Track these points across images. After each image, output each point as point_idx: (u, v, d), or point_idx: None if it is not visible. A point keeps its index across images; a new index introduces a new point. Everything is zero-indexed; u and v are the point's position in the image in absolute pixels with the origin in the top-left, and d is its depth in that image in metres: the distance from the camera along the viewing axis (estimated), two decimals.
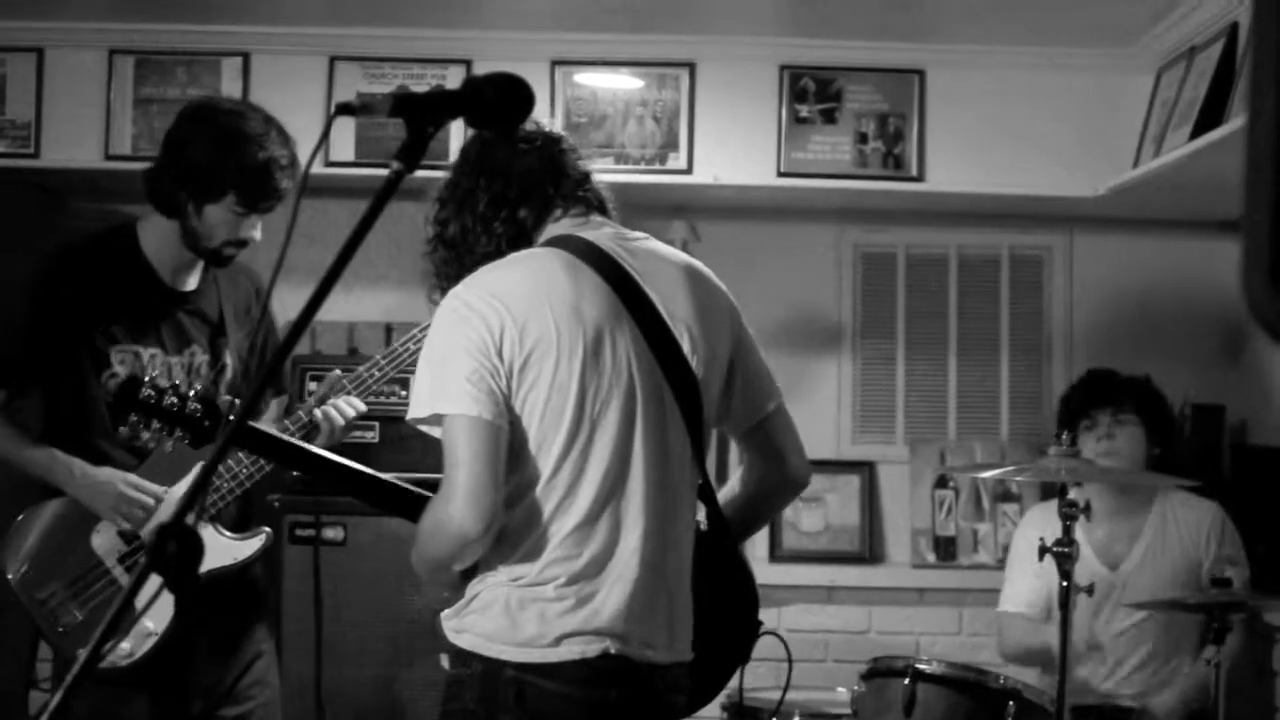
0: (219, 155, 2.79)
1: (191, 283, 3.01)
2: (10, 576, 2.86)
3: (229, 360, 3.03)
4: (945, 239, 4.82)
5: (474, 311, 2.20)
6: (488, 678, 2.18)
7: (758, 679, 2.87)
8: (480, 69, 4.16)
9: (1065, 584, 2.94)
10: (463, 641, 2.23)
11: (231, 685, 3.03)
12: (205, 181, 2.81)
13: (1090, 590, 3.01)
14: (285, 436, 2.71)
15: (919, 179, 4.34)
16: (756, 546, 4.51)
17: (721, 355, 2.38)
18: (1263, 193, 0.97)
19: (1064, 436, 3.11)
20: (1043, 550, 2.98)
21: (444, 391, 2.18)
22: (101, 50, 4.36)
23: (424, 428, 2.26)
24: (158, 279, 2.95)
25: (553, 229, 2.35)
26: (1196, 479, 3.44)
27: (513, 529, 2.22)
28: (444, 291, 2.32)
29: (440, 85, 1.62)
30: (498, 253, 2.31)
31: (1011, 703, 3.04)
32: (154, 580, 1.41)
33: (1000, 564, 4.10)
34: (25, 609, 2.88)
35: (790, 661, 2.72)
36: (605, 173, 4.23)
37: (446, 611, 2.28)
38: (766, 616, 2.55)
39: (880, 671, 3.21)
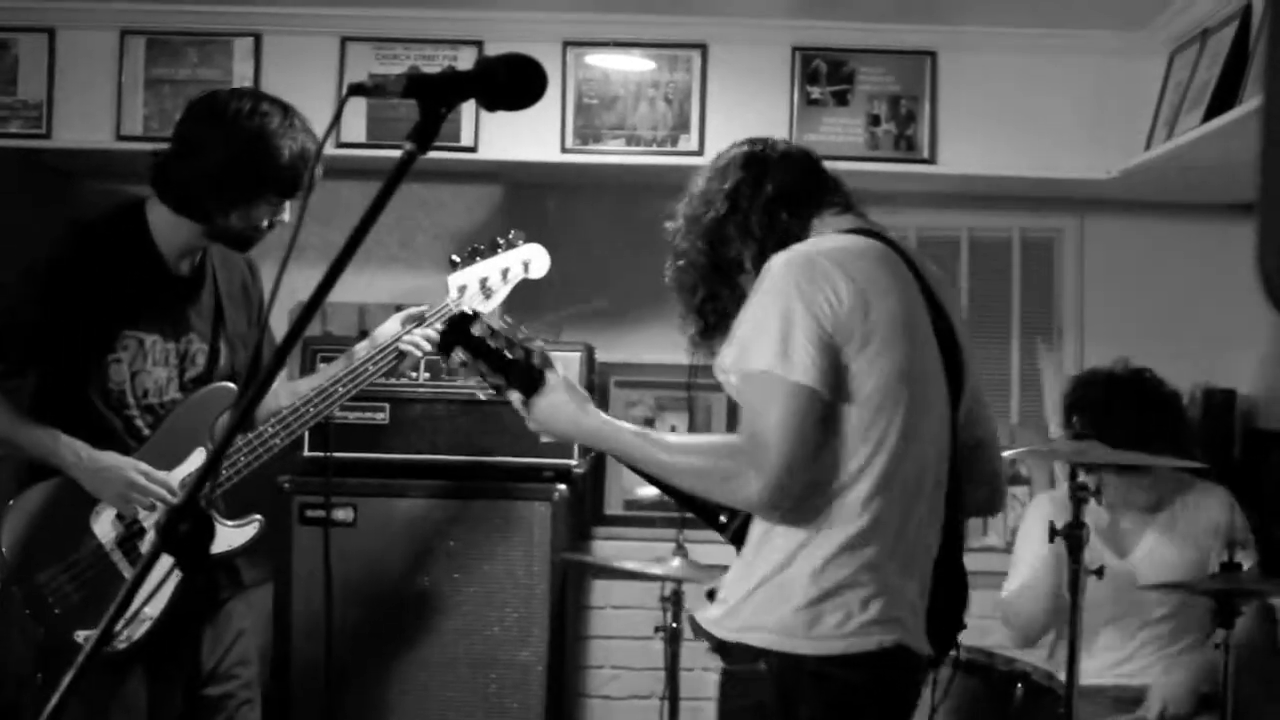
0: (247, 161, 2.75)
1: (189, 267, 2.96)
2: (6, 557, 2.81)
3: (223, 348, 3.00)
4: (956, 221, 4.81)
5: (823, 275, 2.14)
6: (785, 672, 2.12)
7: None
8: (492, 50, 4.14)
9: (1076, 566, 2.94)
10: (751, 639, 2.15)
11: (215, 665, 3.02)
12: (235, 188, 2.78)
13: (1100, 573, 3.00)
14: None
15: (930, 161, 4.33)
16: None
17: (973, 371, 2.36)
18: (1277, 175, 0.97)
19: (1074, 420, 3.11)
20: (1053, 533, 2.97)
21: (786, 353, 2.09)
22: (113, 30, 4.36)
23: (722, 376, 2.19)
24: (163, 264, 2.90)
25: (820, 224, 2.35)
26: (1207, 463, 3.43)
27: (814, 516, 2.14)
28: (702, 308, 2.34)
29: (452, 66, 1.61)
30: (761, 255, 2.26)
31: (1020, 685, 3.04)
32: (158, 567, 1.41)
33: (1008, 547, 4.09)
34: (17, 592, 2.81)
35: None
36: (616, 154, 4.32)
37: (712, 611, 2.22)
38: None
39: None
